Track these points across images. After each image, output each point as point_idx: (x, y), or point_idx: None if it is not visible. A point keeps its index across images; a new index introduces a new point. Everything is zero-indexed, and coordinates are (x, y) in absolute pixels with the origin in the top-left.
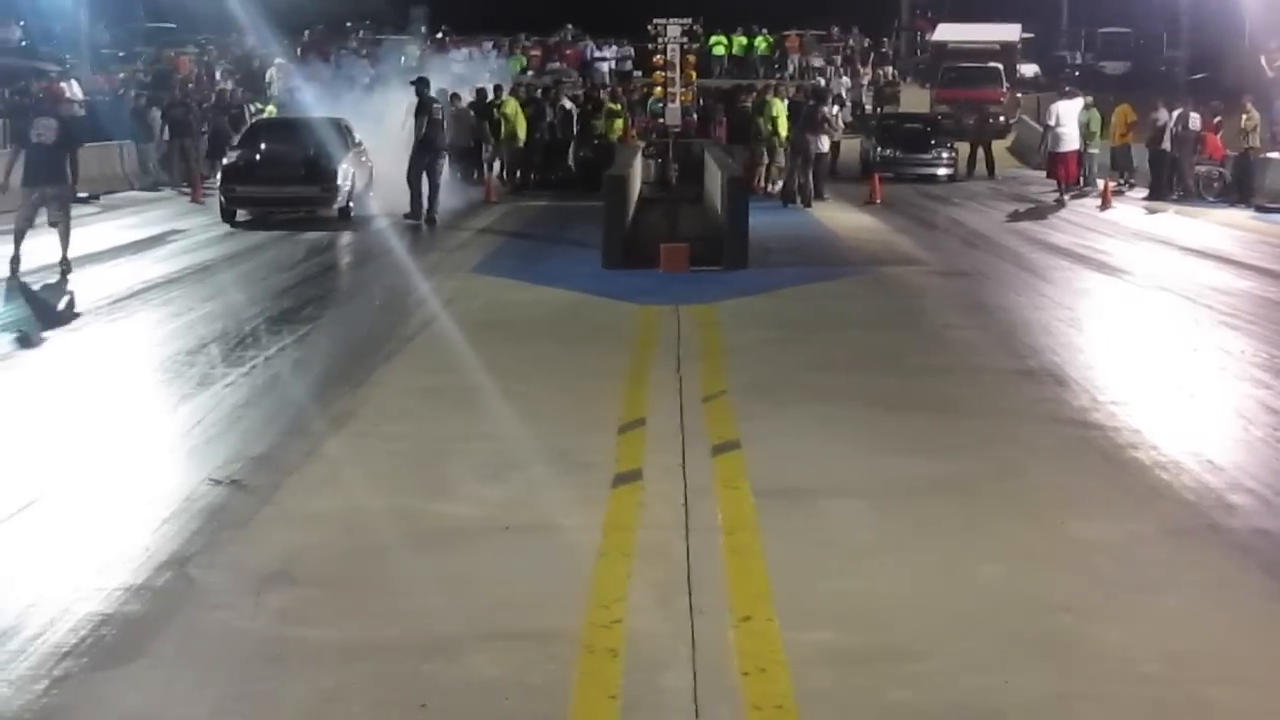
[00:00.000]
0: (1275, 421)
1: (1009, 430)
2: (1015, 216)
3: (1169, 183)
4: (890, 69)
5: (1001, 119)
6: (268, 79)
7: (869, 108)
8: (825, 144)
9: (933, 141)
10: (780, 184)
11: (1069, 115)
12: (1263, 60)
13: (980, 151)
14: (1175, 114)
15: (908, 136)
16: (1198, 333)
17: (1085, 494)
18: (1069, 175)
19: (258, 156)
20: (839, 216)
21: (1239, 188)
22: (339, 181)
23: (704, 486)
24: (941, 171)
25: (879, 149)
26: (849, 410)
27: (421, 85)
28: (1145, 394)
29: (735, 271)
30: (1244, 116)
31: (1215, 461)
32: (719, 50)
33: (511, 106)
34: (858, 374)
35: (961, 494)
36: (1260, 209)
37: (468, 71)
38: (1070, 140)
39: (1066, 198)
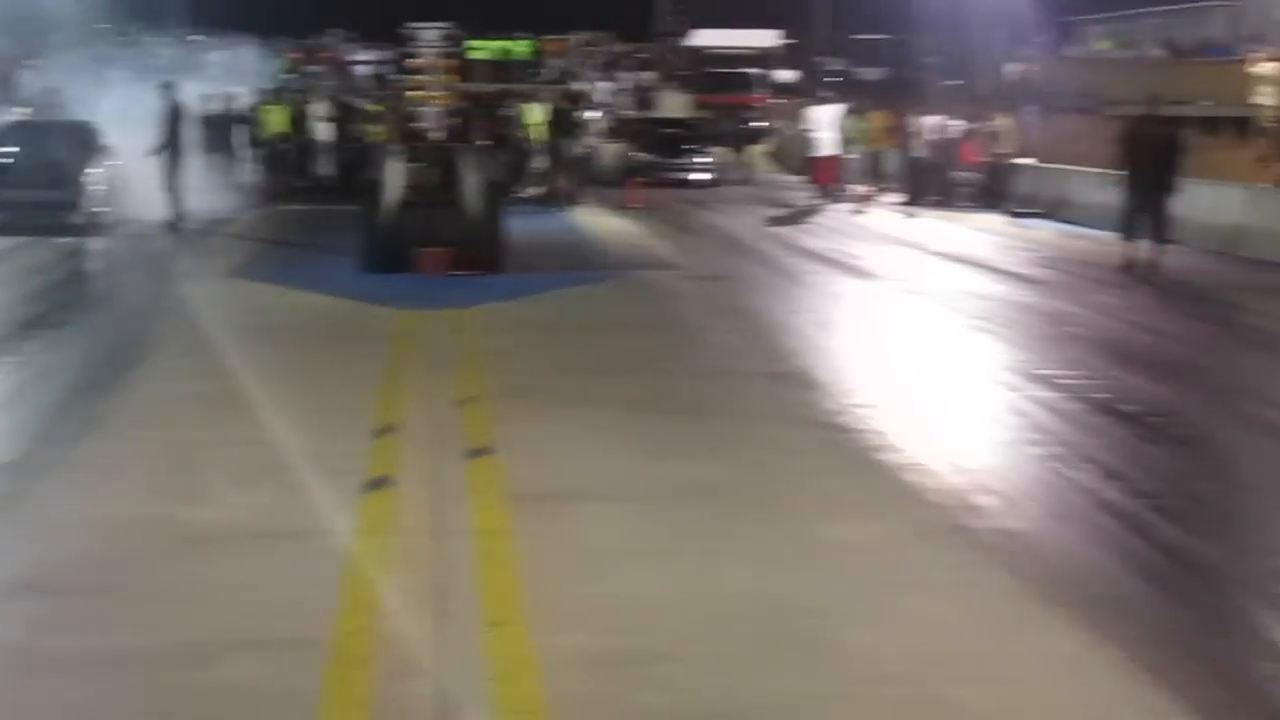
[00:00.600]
0: (1022, 424)
1: (760, 433)
2: (772, 221)
3: (925, 188)
4: (650, 73)
5: (760, 124)
6: (19, 81)
7: (628, 112)
8: (585, 148)
9: (691, 146)
10: (540, 188)
11: (827, 120)
12: (1012, 68)
13: (738, 156)
14: (933, 120)
15: (667, 141)
16: (947, 335)
17: (834, 496)
18: (826, 180)
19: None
20: (597, 221)
21: (992, 193)
22: (82, 186)
23: (458, 492)
24: (701, 176)
25: (638, 153)
26: (606, 414)
27: (170, 88)
28: (894, 397)
29: (494, 275)
30: (993, 123)
31: (962, 463)
32: (479, 55)
33: (270, 109)
34: (616, 377)
35: (713, 497)
36: (1014, 214)
37: (226, 73)
38: (828, 145)
39: (823, 202)
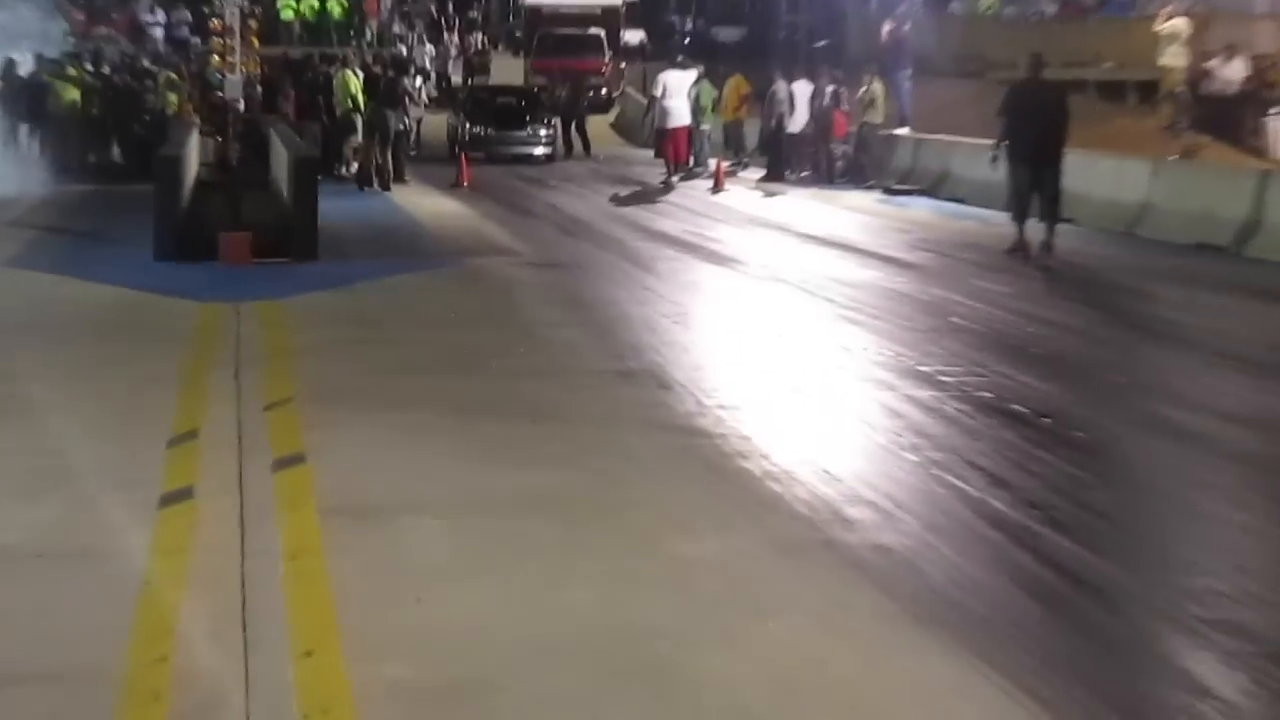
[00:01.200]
0: (898, 426)
1: (607, 438)
2: (618, 200)
3: (789, 162)
4: (480, 36)
5: (604, 92)
6: None
7: (456, 79)
8: (406, 120)
9: (528, 117)
10: (356, 165)
11: (678, 88)
12: (885, 27)
13: (573, 129)
14: (800, 86)
15: (501, 112)
16: (816, 328)
17: (689, 508)
18: (679, 154)
19: None
20: (422, 202)
21: (863, 168)
22: None
23: (264, 505)
24: (539, 151)
25: (468, 126)
26: (431, 417)
27: None
28: (756, 397)
29: (305, 264)
30: (863, 89)
31: (832, 471)
32: (288, 14)
33: (58, 79)
34: (442, 377)
35: (553, 509)
36: (889, 191)
37: (2, 36)
38: (680, 115)
39: (675, 179)
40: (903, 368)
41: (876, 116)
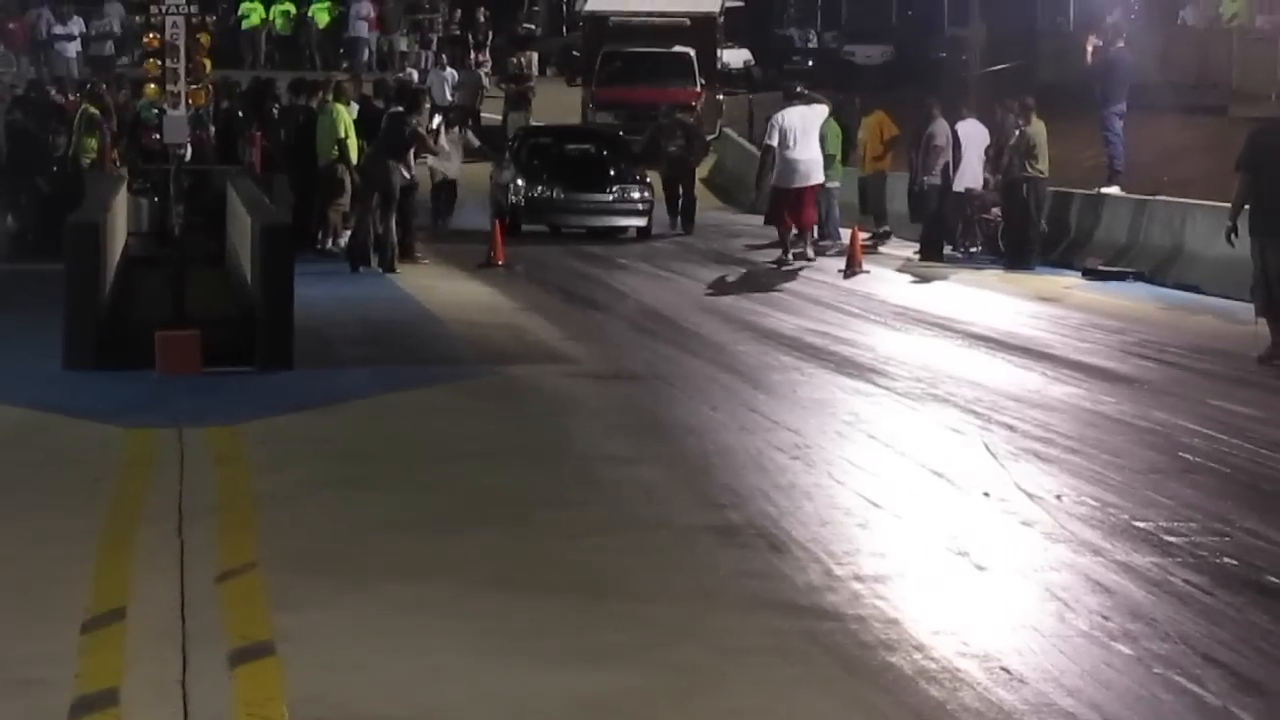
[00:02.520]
0: (1106, 606)
1: (697, 623)
2: (717, 287)
3: (951, 231)
4: (521, 57)
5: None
6: None
7: (504, 119)
8: (420, 173)
9: (613, 172)
10: (347, 236)
11: (804, 130)
12: (1090, 44)
13: (680, 188)
14: (970, 126)
15: (573, 165)
16: (990, 467)
17: None
18: (804, 221)
19: None
20: (440, 287)
21: (1012, 240)
22: None
23: (217, 716)
24: (632, 222)
25: (523, 186)
26: (451, 593)
27: None
28: (907, 565)
29: (275, 374)
30: (1029, 130)
31: (1013, 669)
32: (253, 22)
33: None
34: (467, 535)
35: None
36: (1090, 273)
37: None
38: (809, 171)
39: (794, 255)
40: (1113, 524)
41: (1040, 165)
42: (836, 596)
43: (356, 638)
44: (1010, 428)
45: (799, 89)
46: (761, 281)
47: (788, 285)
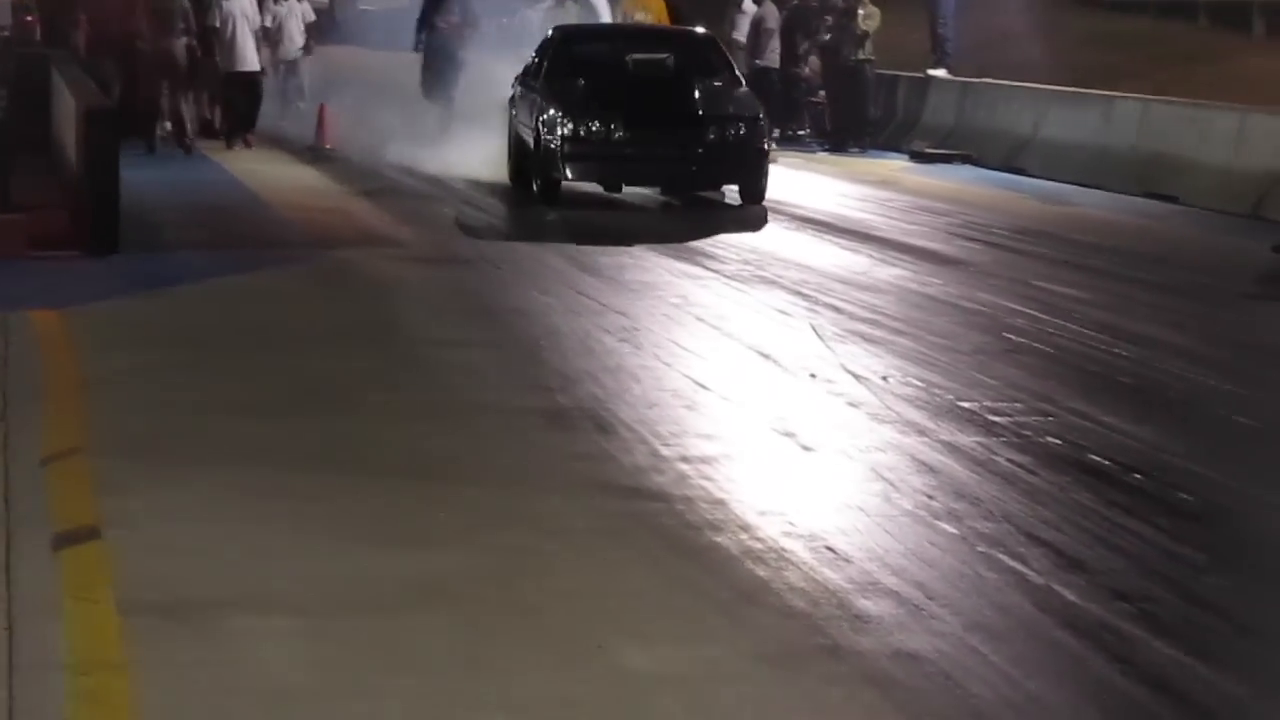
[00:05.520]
0: (931, 486)
1: (526, 505)
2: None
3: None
4: None
5: None
6: None
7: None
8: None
9: (707, 100)
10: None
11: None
12: None
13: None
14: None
15: (645, 90)
16: (817, 349)
17: (640, 603)
18: None
19: None
20: (269, 171)
21: (842, 123)
22: None
23: (42, 599)
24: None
25: (569, 124)
26: (277, 476)
27: None
28: (734, 446)
29: (102, 259)
30: (861, 12)
31: (839, 549)
32: None
33: None
34: (293, 419)
35: (450, 605)
36: (918, 156)
37: None
38: None
39: None
40: (938, 404)
41: (868, 50)
42: (663, 478)
43: (184, 521)
44: (837, 310)
45: None
46: None
47: None
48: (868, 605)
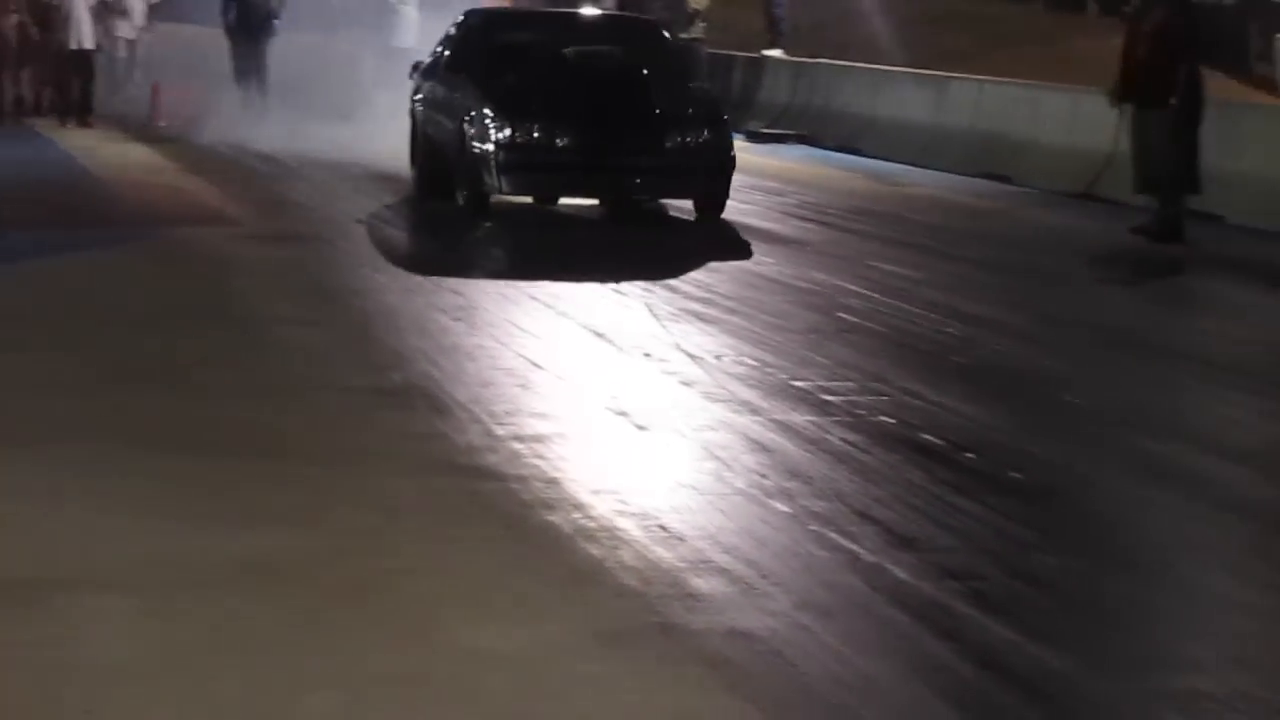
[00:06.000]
0: (763, 464)
1: (359, 483)
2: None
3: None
4: None
5: None
6: None
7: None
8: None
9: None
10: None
11: None
12: None
13: None
14: None
15: (587, 91)
16: (648, 328)
17: (474, 582)
18: None
19: None
20: (103, 149)
21: None
22: None
23: None
24: (696, 191)
25: (505, 130)
26: (107, 453)
27: None
28: (567, 425)
29: None
30: None
31: (671, 528)
32: None
33: None
34: (123, 397)
35: (281, 584)
36: (753, 135)
37: None
38: None
39: None
40: (771, 383)
41: (698, 29)
42: (497, 456)
43: (13, 500)
44: (672, 289)
45: None
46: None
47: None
48: (700, 584)
